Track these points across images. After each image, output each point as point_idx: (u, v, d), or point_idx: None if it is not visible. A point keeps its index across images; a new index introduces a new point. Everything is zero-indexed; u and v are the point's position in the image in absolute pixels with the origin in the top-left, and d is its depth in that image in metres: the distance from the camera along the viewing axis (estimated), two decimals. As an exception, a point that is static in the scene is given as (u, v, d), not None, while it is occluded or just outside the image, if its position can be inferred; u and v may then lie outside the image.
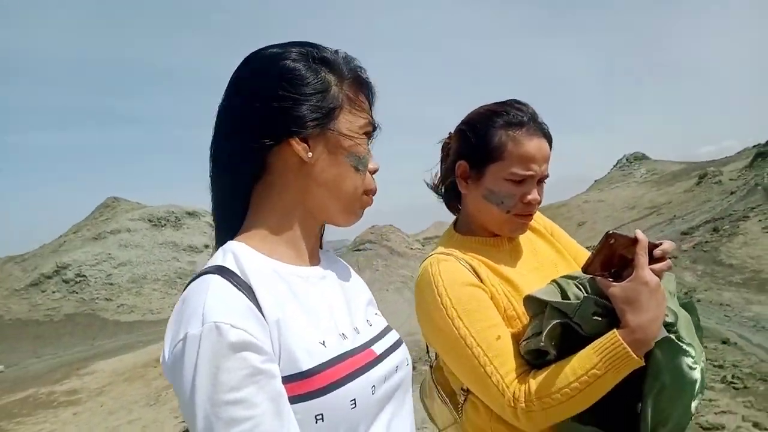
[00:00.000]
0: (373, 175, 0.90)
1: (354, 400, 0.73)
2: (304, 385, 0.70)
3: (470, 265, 1.21)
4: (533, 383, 1.05)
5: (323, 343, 0.75)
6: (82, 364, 10.00)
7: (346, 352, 0.77)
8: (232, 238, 0.84)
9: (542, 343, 1.04)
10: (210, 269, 0.74)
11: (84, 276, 20.34)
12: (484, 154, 1.23)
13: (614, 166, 36.93)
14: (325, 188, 0.84)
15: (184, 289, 0.73)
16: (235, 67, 0.85)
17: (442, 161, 1.40)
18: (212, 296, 0.69)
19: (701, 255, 10.84)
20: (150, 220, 24.16)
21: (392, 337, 0.91)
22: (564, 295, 1.08)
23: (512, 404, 1.05)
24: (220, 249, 0.81)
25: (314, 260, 0.90)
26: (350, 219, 0.89)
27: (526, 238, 1.37)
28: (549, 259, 1.36)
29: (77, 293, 19.75)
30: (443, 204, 1.43)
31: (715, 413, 4.06)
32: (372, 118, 0.88)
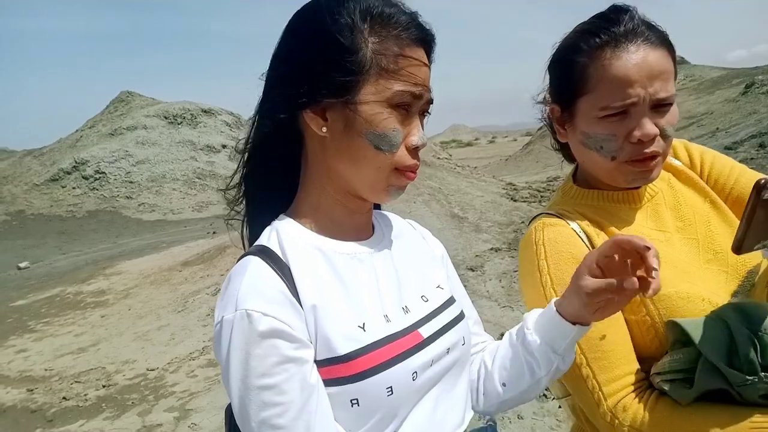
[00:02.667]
0: (418, 150, 0.79)
1: (390, 387, 0.71)
2: (340, 370, 0.70)
3: (585, 233, 1.01)
4: (650, 417, 0.86)
5: (363, 327, 0.73)
6: (108, 263, 10.02)
7: (387, 336, 0.74)
8: (280, 205, 0.84)
9: (684, 398, 0.84)
10: (253, 249, 0.76)
11: (103, 173, 20.28)
12: (569, 89, 1.00)
13: None
14: (344, 165, 0.78)
15: (237, 261, 0.76)
16: None
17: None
18: (247, 281, 0.70)
19: (748, 172, 10.27)
20: (166, 117, 23.68)
21: (450, 313, 0.86)
22: (731, 344, 0.81)
23: (609, 419, 0.89)
24: (270, 225, 0.81)
25: (365, 233, 0.86)
26: (381, 197, 0.81)
27: (665, 185, 1.07)
28: (698, 213, 1.05)
29: (98, 190, 19.78)
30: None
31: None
32: (417, 86, 0.76)
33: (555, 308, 0.83)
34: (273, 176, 0.84)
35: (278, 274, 0.71)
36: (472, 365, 0.95)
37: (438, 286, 0.89)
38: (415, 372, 0.74)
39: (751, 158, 11.10)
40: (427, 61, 0.79)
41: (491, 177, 10.69)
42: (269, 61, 0.80)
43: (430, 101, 0.80)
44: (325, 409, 0.70)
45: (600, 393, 0.91)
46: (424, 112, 0.81)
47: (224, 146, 22.24)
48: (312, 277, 0.74)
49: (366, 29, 0.73)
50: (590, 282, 0.75)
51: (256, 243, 0.79)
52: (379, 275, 0.81)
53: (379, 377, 0.71)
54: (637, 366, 0.93)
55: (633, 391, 0.91)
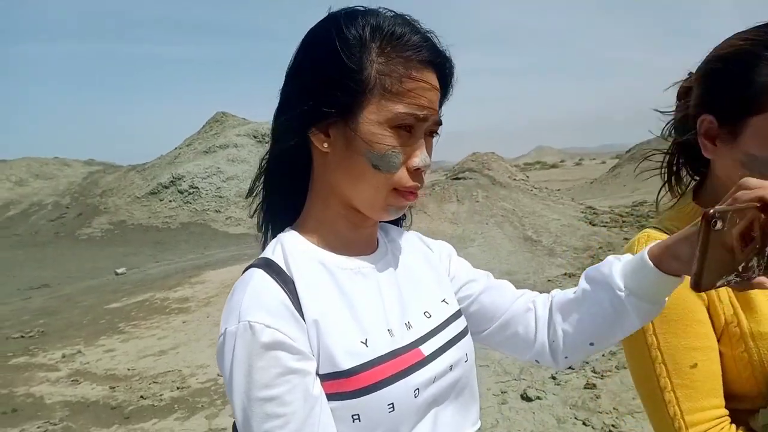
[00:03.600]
0: (423, 172, 0.79)
1: (392, 404, 0.71)
2: (342, 385, 0.70)
3: None
4: None
5: (365, 342, 0.73)
6: (195, 272, 10.62)
7: (389, 352, 0.74)
8: (287, 219, 0.85)
9: None
10: (257, 262, 0.77)
11: (196, 188, 21.62)
12: (737, 104, 0.89)
13: None
14: (344, 181, 0.78)
15: (242, 274, 0.76)
16: None
17: (677, 110, 1.04)
18: (250, 293, 0.70)
19: None
20: (255, 136, 24.94)
21: (454, 329, 0.86)
22: None
23: None
24: (276, 238, 0.82)
25: (369, 248, 0.86)
26: (380, 215, 0.80)
27: None
28: None
29: (191, 203, 21.11)
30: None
31: None
32: (422, 108, 0.74)
33: (652, 263, 0.75)
34: (286, 187, 0.85)
35: (282, 287, 0.72)
36: (527, 328, 0.92)
37: (443, 300, 0.88)
38: (417, 389, 0.74)
39: None
40: (436, 84, 0.77)
41: (570, 200, 10.31)
42: (284, 80, 0.81)
43: (438, 123, 0.79)
44: (328, 422, 0.70)
45: (681, 421, 0.88)
46: (432, 134, 0.81)
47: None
48: (315, 291, 0.74)
49: (374, 49, 0.73)
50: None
51: (261, 255, 0.79)
52: (382, 291, 0.81)
53: (381, 393, 0.71)
54: (723, 401, 0.89)
55: (716, 426, 0.87)
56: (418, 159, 0.77)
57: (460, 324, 0.88)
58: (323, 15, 0.79)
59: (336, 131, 0.76)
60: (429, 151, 0.80)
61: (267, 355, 0.67)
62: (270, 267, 0.74)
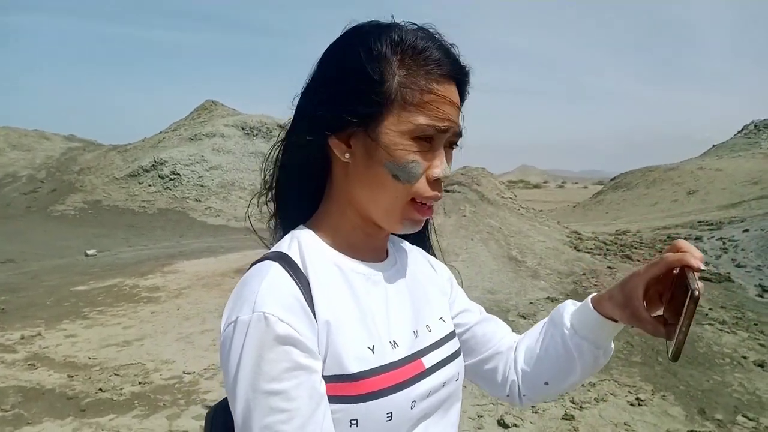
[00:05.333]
0: (442, 182, 0.79)
1: (391, 413, 0.72)
2: (344, 389, 0.71)
3: None
4: None
5: (372, 349, 0.74)
6: (168, 261, 10.33)
7: (393, 362, 0.75)
8: (300, 217, 0.86)
9: None
10: (272, 255, 0.77)
11: (178, 174, 21.21)
12: None
13: (738, 132, 32.35)
14: (363, 192, 0.79)
15: (248, 269, 0.76)
16: None
17: None
18: (267, 285, 0.70)
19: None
20: (242, 128, 24.61)
21: (450, 347, 0.87)
22: None
23: None
24: (290, 234, 0.83)
25: (380, 256, 0.87)
26: (395, 227, 0.81)
27: None
28: None
29: (170, 190, 20.69)
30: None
31: None
32: (442, 120, 0.75)
33: (593, 307, 0.88)
34: (302, 191, 0.86)
35: (297, 284, 0.72)
36: (506, 365, 0.99)
37: (441, 318, 0.90)
38: (414, 401, 0.76)
39: None
40: (456, 97, 0.78)
41: (556, 222, 10.28)
42: (304, 87, 0.82)
43: (458, 134, 0.80)
44: (329, 424, 0.70)
45: None
46: (451, 145, 0.81)
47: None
48: (329, 291, 0.75)
49: (396, 61, 0.74)
50: (644, 314, 0.80)
51: (275, 249, 0.80)
52: (390, 299, 0.82)
53: (382, 401, 0.72)
54: None
55: None
56: (439, 169, 0.77)
57: (455, 344, 0.90)
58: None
59: (357, 141, 0.77)
60: (449, 162, 0.81)
61: (278, 348, 0.67)
62: (286, 262, 0.75)
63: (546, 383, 0.93)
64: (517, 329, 1.08)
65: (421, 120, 0.74)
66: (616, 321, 0.85)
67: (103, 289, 8.00)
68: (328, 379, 0.71)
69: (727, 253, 8.75)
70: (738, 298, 6.71)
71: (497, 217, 8.67)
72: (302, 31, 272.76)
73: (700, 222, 12.33)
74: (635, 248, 8.85)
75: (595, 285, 6.66)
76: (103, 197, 20.59)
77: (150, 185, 21.05)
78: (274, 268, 0.73)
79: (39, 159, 25.97)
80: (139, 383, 4.55)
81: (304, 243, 0.79)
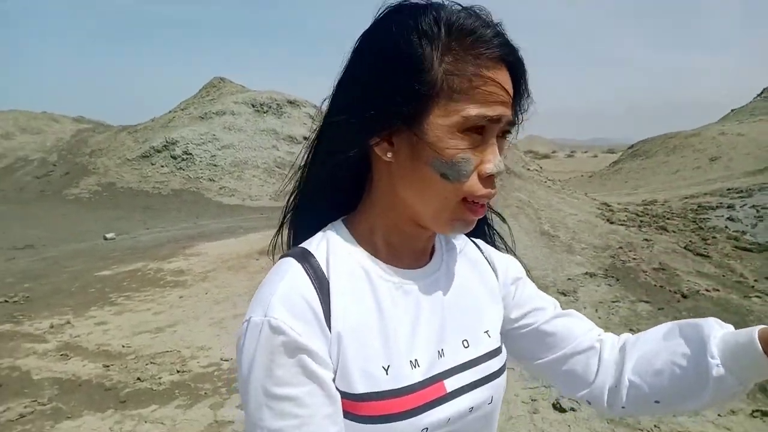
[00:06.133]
0: (494, 179, 0.71)
1: None
2: (350, 406, 0.68)
3: None
4: None
5: (386, 369, 0.70)
6: (188, 243, 10.22)
7: (408, 386, 0.70)
8: (331, 212, 0.81)
9: None
10: (298, 252, 0.74)
11: (190, 154, 21.03)
12: None
13: (758, 96, 31.78)
14: (409, 193, 0.73)
15: (276, 260, 0.75)
16: None
17: None
18: (283, 288, 0.68)
19: None
20: (253, 105, 24.30)
21: (487, 367, 0.79)
22: None
23: None
24: (323, 230, 0.79)
25: (421, 260, 0.81)
26: (444, 229, 0.74)
27: None
28: None
29: (183, 170, 20.54)
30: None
31: None
32: (494, 108, 0.68)
33: (759, 343, 0.70)
34: (338, 193, 0.81)
35: (315, 289, 0.69)
36: (587, 367, 0.87)
37: (486, 332, 0.82)
38: (426, 429, 0.70)
39: None
40: (508, 81, 0.70)
41: (583, 194, 10.04)
42: (336, 84, 0.75)
43: (512, 123, 0.72)
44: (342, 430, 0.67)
45: None
46: (504, 134, 0.73)
47: (305, 138, 22.58)
48: (349, 299, 0.71)
49: (440, 45, 0.67)
50: None
51: (303, 245, 0.76)
52: (421, 312, 0.76)
53: (386, 426, 0.68)
54: None
55: None
56: (492, 165, 0.70)
57: (497, 362, 0.82)
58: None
59: (400, 139, 0.71)
60: (501, 154, 0.73)
61: (288, 354, 0.65)
62: (308, 262, 0.72)
63: (657, 401, 0.81)
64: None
65: (472, 110, 0.67)
66: None
67: (128, 274, 7.90)
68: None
69: (762, 221, 8.50)
70: (783, 268, 6.48)
71: (525, 191, 8.43)
72: (312, 2, 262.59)
73: (729, 190, 12.03)
74: (668, 219, 8.60)
75: (634, 259, 6.46)
76: (117, 179, 20.49)
77: (163, 166, 20.90)
78: (294, 268, 0.70)
79: (49, 142, 25.85)
80: (177, 371, 4.44)
81: (333, 243, 0.75)
